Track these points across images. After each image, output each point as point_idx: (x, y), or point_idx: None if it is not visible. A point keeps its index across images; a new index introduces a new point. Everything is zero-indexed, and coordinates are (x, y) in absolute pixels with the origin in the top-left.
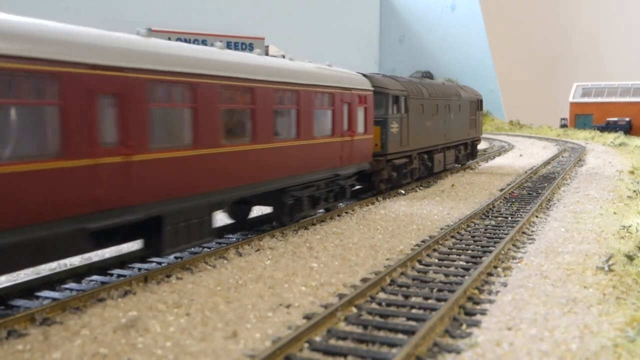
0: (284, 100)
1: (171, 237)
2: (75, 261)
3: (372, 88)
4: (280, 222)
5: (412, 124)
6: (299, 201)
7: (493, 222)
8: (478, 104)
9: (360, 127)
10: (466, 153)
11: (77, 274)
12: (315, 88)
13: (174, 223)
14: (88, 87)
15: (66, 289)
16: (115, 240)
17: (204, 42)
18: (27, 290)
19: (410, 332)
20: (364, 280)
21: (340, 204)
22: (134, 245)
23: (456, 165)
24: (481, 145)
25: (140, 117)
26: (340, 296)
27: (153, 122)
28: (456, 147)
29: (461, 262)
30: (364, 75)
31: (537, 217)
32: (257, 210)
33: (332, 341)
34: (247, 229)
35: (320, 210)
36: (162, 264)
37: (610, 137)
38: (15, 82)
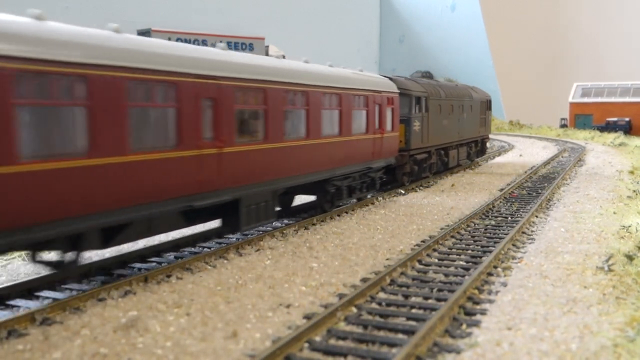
0: (329, 102)
1: (246, 216)
2: None
3: (397, 90)
4: (322, 209)
5: (432, 123)
6: (339, 190)
7: (493, 222)
8: (487, 104)
9: (388, 126)
10: (476, 150)
11: (77, 273)
12: (353, 91)
13: (247, 205)
14: (195, 93)
15: (66, 289)
16: (201, 219)
17: (204, 42)
18: (27, 290)
19: (410, 332)
20: (364, 280)
21: (369, 194)
22: (134, 246)
23: (468, 161)
24: None
25: (228, 117)
26: (340, 296)
27: (237, 121)
28: (468, 144)
29: (461, 262)
30: (390, 78)
31: (537, 217)
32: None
33: (332, 341)
34: (294, 214)
35: (353, 200)
36: (162, 264)
37: (610, 137)
38: (149, 89)
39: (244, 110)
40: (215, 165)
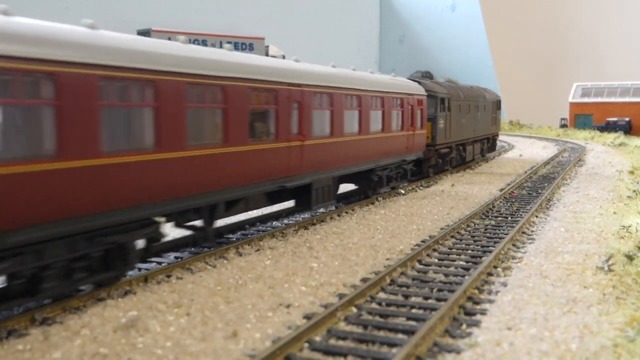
0: (375, 103)
1: (315, 197)
2: None
3: (425, 93)
4: (366, 195)
5: (453, 121)
6: (380, 179)
7: (493, 222)
8: (497, 104)
9: (418, 124)
10: (488, 146)
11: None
12: (392, 94)
13: (316, 188)
14: (287, 97)
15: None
16: (280, 200)
17: (204, 42)
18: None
19: (410, 332)
20: (364, 280)
21: (402, 183)
22: None
23: (480, 156)
24: None
25: (308, 116)
26: (340, 296)
27: (313, 120)
28: (481, 140)
29: (461, 262)
30: (419, 82)
31: (537, 217)
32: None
33: (332, 341)
34: (339, 200)
35: (387, 189)
36: (162, 264)
37: (610, 137)
38: (261, 96)
39: (317, 111)
40: (299, 155)
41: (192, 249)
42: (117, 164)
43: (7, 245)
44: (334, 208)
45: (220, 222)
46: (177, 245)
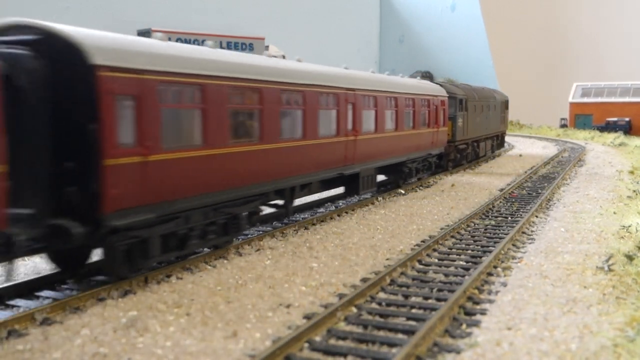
0: (408, 104)
1: (362, 185)
2: None
3: (447, 94)
4: (397, 185)
5: (469, 120)
6: (410, 170)
7: (493, 222)
8: (505, 104)
9: (441, 122)
10: (497, 142)
11: (77, 273)
12: (421, 96)
13: (363, 176)
14: (345, 99)
15: (66, 289)
16: (332, 187)
17: (203, 42)
18: (27, 290)
19: (410, 332)
20: (364, 280)
21: (426, 174)
22: None
23: (491, 152)
24: None
25: (359, 115)
26: (340, 296)
27: (362, 118)
28: (492, 137)
29: (461, 262)
30: (441, 85)
31: (537, 217)
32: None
33: (332, 341)
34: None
35: (414, 180)
36: (162, 264)
37: (610, 137)
38: (325, 99)
39: (365, 110)
40: (352, 148)
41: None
42: (237, 152)
43: (172, 211)
44: (369, 195)
45: (296, 202)
46: (265, 219)
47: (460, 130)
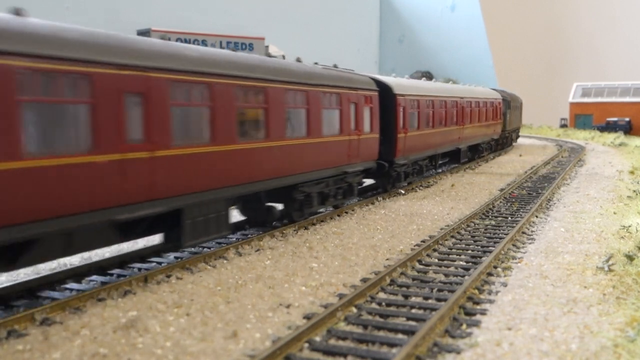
0: (474, 105)
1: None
2: (75, 261)
3: (501, 98)
4: (459, 162)
5: (509, 116)
6: (481, 151)
7: (493, 222)
8: (521, 105)
9: (499, 117)
10: (516, 135)
11: (77, 274)
12: (485, 99)
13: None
14: (457, 106)
15: (66, 289)
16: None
17: (203, 42)
18: (27, 290)
19: (410, 332)
20: (364, 280)
21: (492, 154)
22: (133, 246)
23: (514, 141)
24: None
25: (466, 114)
26: (340, 296)
27: (407, 117)
28: (515, 131)
29: (461, 262)
30: (494, 89)
31: (537, 217)
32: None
33: (332, 341)
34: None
35: (480, 160)
36: (162, 264)
37: (610, 137)
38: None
39: (413, 112)
40: (403, 144)
41: (192, 249)
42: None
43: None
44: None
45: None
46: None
47: (506, 123)
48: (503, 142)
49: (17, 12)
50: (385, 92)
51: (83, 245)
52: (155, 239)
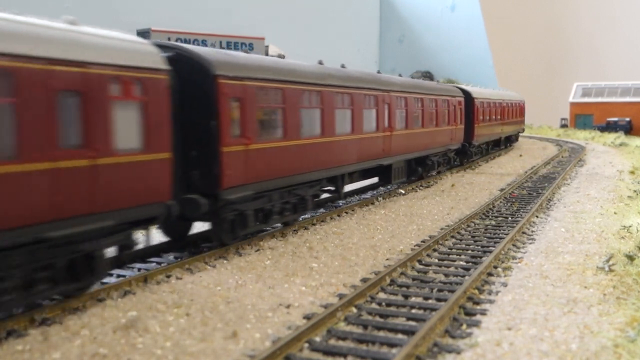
0: (510, 107)
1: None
2: None
3: (523, 99)
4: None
5: (526, 114)
6: (510, 140)
7: (493, 222)
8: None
9: (518, 115)
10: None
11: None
12: (513, 102)
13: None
14: (446, 103)
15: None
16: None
17: (204, 43)
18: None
19: (410, 332)
20: (364, 280)
21: (515, 142)
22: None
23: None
24: None
25: (503, 112)
26: (340, 296)
27: (436, 115)
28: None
29: (461, 262)
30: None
31: (537, 217)
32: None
33: (332, 341)
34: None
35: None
36: (162, 264)
37: (610, 137)
38: (441, 103)
39: (510, 110)
40: (430, 138)
41: (192, 249)
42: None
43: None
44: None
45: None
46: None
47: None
48: (520, 135)
49: None
50: None
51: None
52: (155, 239)
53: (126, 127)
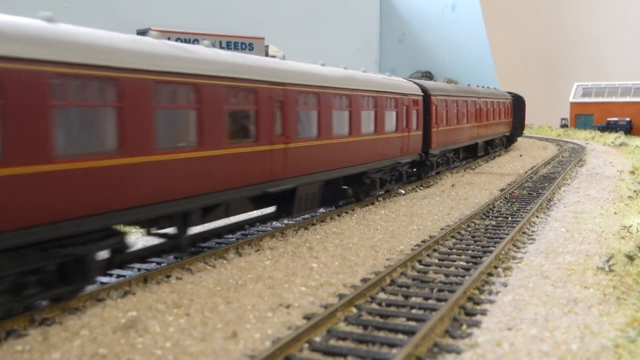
0: (498, 107)
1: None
2: None
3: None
4: (487, 152)
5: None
6: (493, 144)
7: (493, 222)
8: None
9: (510, 116)
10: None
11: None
12: (486, 99)
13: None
14: (473, 105)
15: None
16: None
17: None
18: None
19: (410, 333)
20: (364, 280)
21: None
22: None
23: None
24: None
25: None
26: (340, 296)
27: (440, 115)
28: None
29: (461, 262)
30: (509, 92)
31: (537, 217)
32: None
33: (332, 341)
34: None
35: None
36: (162, 264)
37: (610, 137)
38: (452, 104)
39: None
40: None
41: (192, 249)
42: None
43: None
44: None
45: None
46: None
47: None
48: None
49: None
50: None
51: None
52: (155, 239)
53: (409, 120)
